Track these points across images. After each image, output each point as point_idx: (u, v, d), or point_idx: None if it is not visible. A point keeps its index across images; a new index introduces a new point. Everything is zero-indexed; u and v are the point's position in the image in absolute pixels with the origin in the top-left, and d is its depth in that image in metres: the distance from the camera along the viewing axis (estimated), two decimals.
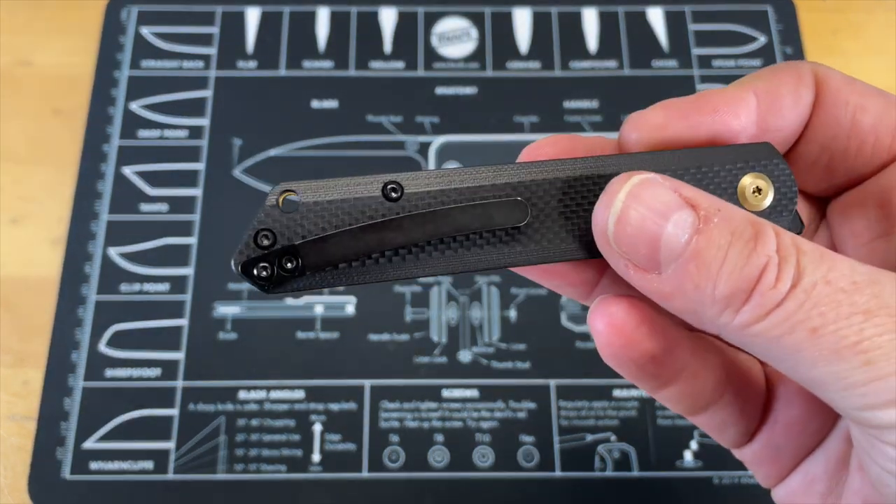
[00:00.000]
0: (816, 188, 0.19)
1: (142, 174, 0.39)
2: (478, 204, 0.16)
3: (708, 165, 0.17)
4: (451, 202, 0.16)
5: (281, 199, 0.16)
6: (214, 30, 0.43)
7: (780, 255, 0.14)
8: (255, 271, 0.16)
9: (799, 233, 0.17)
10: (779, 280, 0.14)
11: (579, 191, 0.17)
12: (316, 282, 0.16)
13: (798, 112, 0.18)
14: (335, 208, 0.16)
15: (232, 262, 0.16)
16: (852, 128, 0.18)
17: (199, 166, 0.40)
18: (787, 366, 0.15)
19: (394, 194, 0.16)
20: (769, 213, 0.17)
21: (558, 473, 0.34)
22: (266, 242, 0.16)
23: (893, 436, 0.14)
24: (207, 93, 0.41)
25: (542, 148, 0.18)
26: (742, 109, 0.18)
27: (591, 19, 0.43)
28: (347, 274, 0.16)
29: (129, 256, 0.38)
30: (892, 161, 0.18)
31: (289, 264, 0.16)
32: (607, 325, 0.17)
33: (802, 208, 0.20)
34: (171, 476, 0.34)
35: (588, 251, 0.17)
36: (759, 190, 0.17)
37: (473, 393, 0.36)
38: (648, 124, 0.18)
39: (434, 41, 0.43)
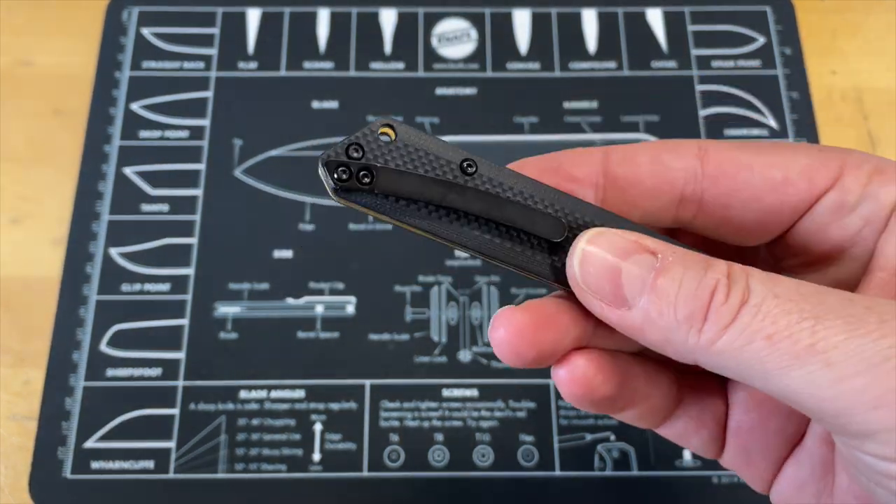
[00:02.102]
0: (741, 240, 0.21)
1: (143, 174, 0.40)
2: (529, 206, 0.19)
3: None
4: (510, 195, 0.19)
5: (380, 130, 0.18)
6: (215, 31, 0.43)
7: (730, 278, 0.16)
8: (335, 173, 0.18)
9: None
10: (729, 297, 0.16)
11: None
12: (377, 204, 0.18)
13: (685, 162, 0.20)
14: (420, 156, 0.18)
15: (320, 158, 0.18)
16: (764, 184, 0.19)
17: (200, 167, 0.40)
18: (759, 381, 0.16)
19: (470, 169, 0.18)
20: None
21: (558, 473, 0.34)
22: (355, 155, 0.18)
23: (871, 444, 0.15)
24: (208, 93, 0.41)
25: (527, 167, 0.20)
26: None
27: (590, 20, 0.44)
28: (404, 211, 0.18)
29: (130, 256, 0.38)
30: (817, 197, 0.19)
31: (365, 179, 0.18)
32: (571, 380, 0.19)
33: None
34: (171, 475, 0.34)
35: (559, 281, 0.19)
36: None
37: (473, 392, 0.36)
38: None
39: (434, 42, 0.43)
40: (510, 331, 0.18)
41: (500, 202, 0.18)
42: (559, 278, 0.19)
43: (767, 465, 0.21)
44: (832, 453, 0.20)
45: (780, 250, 0.21)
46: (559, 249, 0.19)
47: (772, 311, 0.15)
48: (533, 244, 0.19)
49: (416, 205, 0.18)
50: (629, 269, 0.17)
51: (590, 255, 0.17)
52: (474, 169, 0.18)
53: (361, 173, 0.18)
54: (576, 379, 0.19)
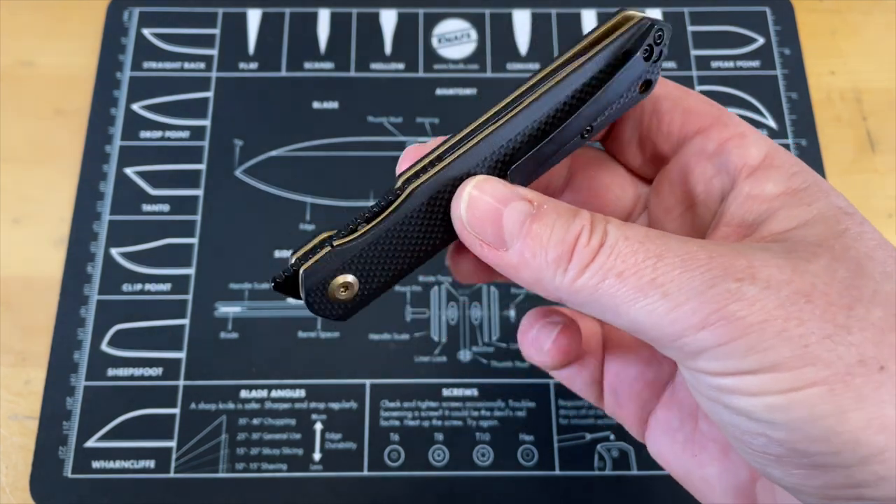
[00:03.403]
0: (634, 165, 0.24)
1: (143, 174, 0.40)
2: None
3: None
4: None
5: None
6: (216, 31, 0.43)
7: (592, 224, 0.18)
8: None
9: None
10: (591, 239, 0.18)
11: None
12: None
13: None
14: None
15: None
16: (653, 109, 0.22)
17: (201, 167, 0.40)
18: (612, 314, 0.18)
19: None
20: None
21: (558, 472, 0.34)
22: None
23: (702, 362, 0.17)
24: (209, 94, 0.41)
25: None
26: None
27: (590, 20, 0.44)
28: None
29: (131, 256, 0.38)
30: (686, 139, 0.22)
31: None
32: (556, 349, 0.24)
33: (627, 188, 0.24)
34: (172, 475, 0.34)
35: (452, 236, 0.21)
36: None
37: (473, 392, 0.36)
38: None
39: (434, 42, 0.43)
40: None
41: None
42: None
43: (636, 410, 0.24)
44: (695, 402, 0.22)
45: (662, 196, 0.23)
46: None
47: (623, 251, 0.17)
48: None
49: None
50: (509, 214, 0.19)
51: (475, 199, 0.19)
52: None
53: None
54: (560, 349, 0.23)
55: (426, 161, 0.20)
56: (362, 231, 0.20)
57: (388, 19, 0.44)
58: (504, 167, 0.20)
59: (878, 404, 0.16)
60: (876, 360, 0.16)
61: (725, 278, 0.16)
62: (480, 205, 0.19)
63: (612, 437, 0.35)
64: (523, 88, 0.21)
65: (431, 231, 0.20)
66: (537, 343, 0.24)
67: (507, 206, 0.19)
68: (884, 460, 0.16)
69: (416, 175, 0.20)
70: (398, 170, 0.21)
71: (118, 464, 0.34)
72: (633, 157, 0.23)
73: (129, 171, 0.40)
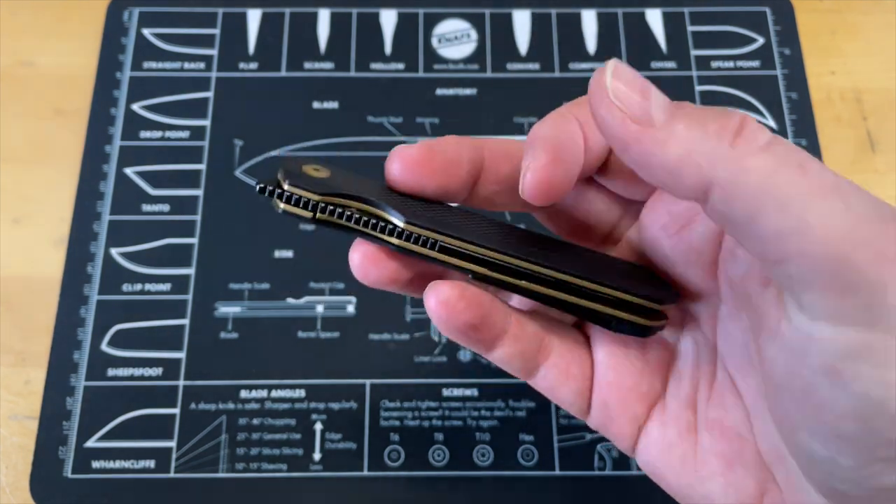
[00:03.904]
0: (627, 192, 0.23)
1: (143, 175, 0.40)
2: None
3: None
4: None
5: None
6: (216, 31, 0.43)
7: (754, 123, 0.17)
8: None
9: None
10: (759, 130, 0.17)
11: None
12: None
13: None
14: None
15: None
16: None
17: (201, 167, 0.40)
18: (774, 209, 0.16)
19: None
20: None
21: (558, 472, 0.34)
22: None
23: (850, 298, 0.15)
24: (209, 94, 0.41)
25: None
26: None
27: (590, 21, 0.44)
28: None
29: (131, 256, 0.38)
30: None
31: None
32: (437, 302, 0.20)
33: (616, 209, 0.24)
34: (172, 475, 0.34)
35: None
36: None
37: (473, 392, 0.36)
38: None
39: (434, 42, 0.43)
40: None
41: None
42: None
43: (627, 423, 0.22)
44: (695, 417, 0.22)
45: (657, 214, 0.22)
46: None
47: (803, 154, 0.16)
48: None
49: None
50: (657, 93, 0.18)
51: (622, 69, 0.18)
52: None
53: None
54: (441, 302, 0.20)
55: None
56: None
57: (388, 19, 0.44)
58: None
59: None
60: None
61: None
62: (628, 74, 0.18)
63: None
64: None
65: None
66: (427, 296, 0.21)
67: (651, 89, 0.18)
68: None
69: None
70: (388, 172, 0.21)
71: (118, 464, 0.34)
72: (624, 185, 0.23)
73: (129, 171, 0.40)
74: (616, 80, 0.18)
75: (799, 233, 0.16)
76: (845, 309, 0.16)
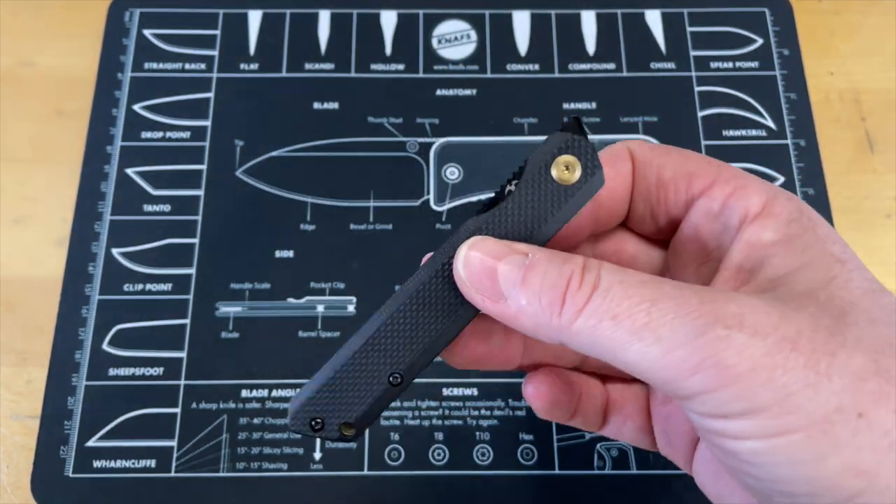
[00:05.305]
0: (653, 234, 0.24)
1: (144, 175, 0.40)
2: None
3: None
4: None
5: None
6: (216, 32, 0.43)
7: (584, 268, 0.19)
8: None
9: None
10: (582, 284, 0.19)
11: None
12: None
13: (622, 179, 0.23)
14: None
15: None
16: (658, 181, 0.22)
17: (202, 167, 0.40)
18: (610, 356, 0.18)
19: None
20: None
21: (557, 471, 0.34)
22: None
23: (694, 404, 0.18)
24: (209, 94, 0.42)
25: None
26: None
27: (589, 21, 0.44)
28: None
29: (132, 256, 0.38)
30: (692, 201, 0.22)
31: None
32: (535, 393, 0.24)
33: (651, 253, 0.25)
34: (173, 474, 0.34)
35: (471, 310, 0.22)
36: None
37: (473, 391, 0.36)
38: None
39: (434, 43, 0.43)
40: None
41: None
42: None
43: (685, 447, 0.24)
44: None
45: (679, 255, 0.24)
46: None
47: (617, 295, 0.18)
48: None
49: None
50: (503, 268, 0.20)
51: (471, 258, 0.20)
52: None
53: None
54: (540, 394, 0.24)
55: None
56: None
57: (388, 20, 0.44)
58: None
59: (856, 450, 0.17)
60: (854, 407, 0.17)
61: (715, 325, 0.17)
62: (475, 262, 0.20)
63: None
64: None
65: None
66: (523, 390, 0.25)
67: (502, 260, 0.20)
68: (862, 502, 0.17)
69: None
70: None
71: (119, 463, 0.34)
72: (649, 227, 0.24)
73: (130, 171, 0.40)
74: (467, 269, 0.20)
75: (634, 372, 0.18)
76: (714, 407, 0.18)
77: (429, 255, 0.22)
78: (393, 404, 0.35)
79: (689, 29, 0.44)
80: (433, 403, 0.36)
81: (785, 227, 0.20)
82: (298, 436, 0.35)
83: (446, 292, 0.21)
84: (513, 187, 0.21)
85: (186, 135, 0.41)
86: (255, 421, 0.35)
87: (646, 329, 0.17)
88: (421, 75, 0.42)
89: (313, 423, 0.22)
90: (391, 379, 0.22)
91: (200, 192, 0.39)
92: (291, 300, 0.37)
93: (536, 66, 0.43)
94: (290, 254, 0.38)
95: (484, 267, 0.20)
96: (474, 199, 0.39)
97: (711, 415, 0.18)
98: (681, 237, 0.23)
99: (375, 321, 0.22)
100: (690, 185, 0.22)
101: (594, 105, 0.42)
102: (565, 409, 0.25)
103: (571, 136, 0.21)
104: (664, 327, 0.17)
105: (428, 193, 0.39)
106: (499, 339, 0.24)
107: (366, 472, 0.34)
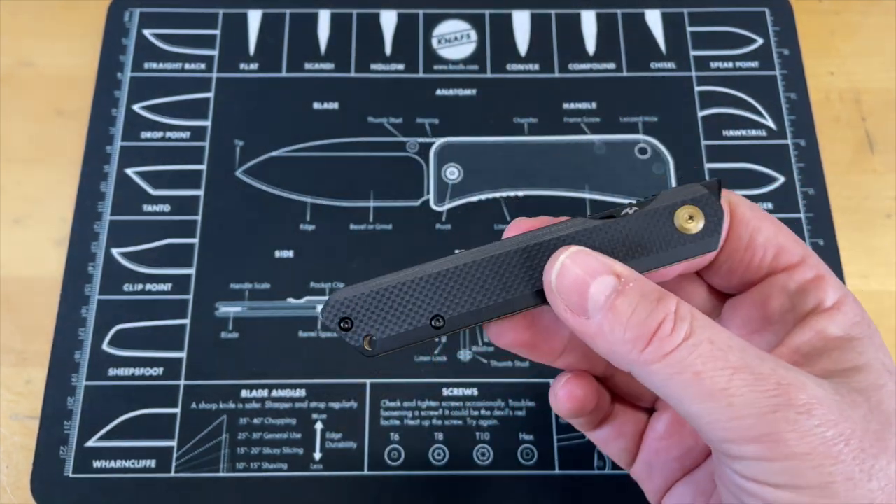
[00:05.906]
0: (719, 285, 0.25)
1: (144, 175, 0.40)
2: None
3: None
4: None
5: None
6: (216, 32, 0.43)
7: (678, 316, 0.19)
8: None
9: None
10: (674, 331, 0.19)
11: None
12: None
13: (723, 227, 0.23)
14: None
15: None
16: (749, 243, 0.23)
17: (201, 167, 0.40)
18: (675, 401, 0.19)
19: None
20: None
21: (557, 471, 0.34)
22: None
23: (739, 465, 0.19)
24: (209, 94, 0.42)
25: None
26: None
27: (589, 21, 0.44)
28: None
29: (132, 256, 0.38)
30: (771, 274, 0.24)
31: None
32: (567, 396, 0.25)
33: (708, 299, 0.26)
34: (173, 474, 0.34)
35: (541, 299, 0.22)
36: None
37: (473, 392, 0.36)
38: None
39: (434, 43, 0.43)
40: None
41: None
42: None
43: (662, 482, 0.26)
44: (713, 486, 0.24)
45: (736, 313, 0.25)
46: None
47: (704, 353, 0.19)
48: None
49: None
50: (595, 287, 0.20)
51: (566, 268, 0.21)
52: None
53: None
54: (574, 397, 0.25)
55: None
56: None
57: (388, 20, 0.44)
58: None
59: None
60: None
61: (788, 409, 0.18)
62: (570, 274, 0.21)
63: None
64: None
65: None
66: (552, 389, 0.26)
67: (595, 279, 0.20)
68: None
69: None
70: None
71: (119, 463, 0.34)
72: (720, 280, 0.25)
73: (129, 171, 0.40)
74: (560, 279, 0.21)
75: (692, 420, 0.20)
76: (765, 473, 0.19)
77: (519, 219, 0.23)
78: (393, 404, 0.35)
79: (689, 29, 0.44)
80: (433, 403, 0.36)
81: (849, 327, 0.22)
82: (299, 435, 0.35)
83: (524, 273, 0.22)
84: (631, 211, 0.22)
85: (186, 135, 0.41)
86: (255, 421, 0.35)
87: (722, 393, 0.19)
88: (421, 75, 0.42)
89: (343, 322, 0.22)
90: (433, 321, 0.22)
91: (200, 192, 0.39)
92: (291, 300, 0.37)
93: (536, 66, 0.43)
94: (290, 254, 0.38)
95: (576, 282, 0.20)
96: (474, 199, 0.39)
97: (754, 479, 0.19)
98: (746, 299, 0.24)
99: (448, 262, 0.22)
100: (777, 258, 0.23)
101: (594, 105, 0.42)
102: (594, 417, 0.26)
103: (708, 194, 0.22)
104: (740, 397, 0.19)
105: (428, 193, 0.39)
106: (547, 333, 0.24)
107: (366, 472, 0.34)
